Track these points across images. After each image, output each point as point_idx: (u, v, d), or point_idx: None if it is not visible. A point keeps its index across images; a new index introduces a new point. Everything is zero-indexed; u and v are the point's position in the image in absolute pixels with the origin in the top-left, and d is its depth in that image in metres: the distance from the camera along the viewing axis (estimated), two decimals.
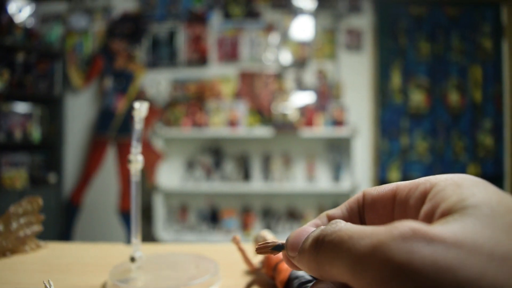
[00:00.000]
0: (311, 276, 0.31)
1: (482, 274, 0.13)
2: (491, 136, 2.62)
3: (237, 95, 2.68)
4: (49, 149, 2.66)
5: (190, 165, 2.66)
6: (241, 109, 2.62)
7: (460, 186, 0.17)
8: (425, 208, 0.18)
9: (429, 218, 0.17)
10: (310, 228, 0.21)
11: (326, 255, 0.18)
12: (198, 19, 2.70)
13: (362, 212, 0.22)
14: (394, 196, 0.21)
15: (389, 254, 0.14)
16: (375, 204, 0.22)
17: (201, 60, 2.70)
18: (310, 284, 0.30)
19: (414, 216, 0.19)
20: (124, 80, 2.67)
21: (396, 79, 2.64)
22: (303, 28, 2.66)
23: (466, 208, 0.16)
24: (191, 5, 2.71)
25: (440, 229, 0.15)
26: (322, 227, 0.20)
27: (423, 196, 0.19)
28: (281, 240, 0.23)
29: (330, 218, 0.23)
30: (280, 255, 0.36)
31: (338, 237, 0.17)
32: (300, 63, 2.66)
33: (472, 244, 0.14)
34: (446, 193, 0.17)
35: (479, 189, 0.17)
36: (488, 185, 0.17)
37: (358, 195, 0.23)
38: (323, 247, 0.18)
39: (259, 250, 0.24)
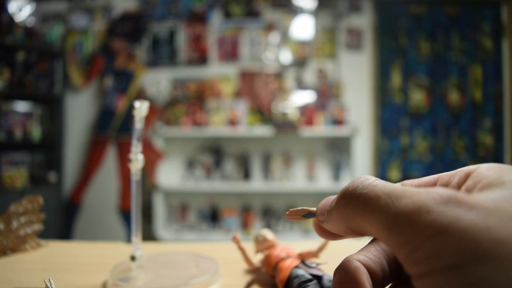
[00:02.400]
0: (310, 275, 0.31)
1: None
2: (491, 135, 2.62)
3: (237, 95, 2.68)
4: (49, 148, 2.66)
5: (190, 164, 2.66)
6: (241, 108, 2.62)
7: (502, 170, 0.18)
8: (466, 184, 0.19)
9: (469, 192, 0.18)
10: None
11: (357, 208, 0.18)
12: (198, 19, 2.70)
13: None
14: (435, 183, 0.22)
15: (433, 216, 0.15)
16: None
17: (201, 59, 2.70)
18: (310, 283, 0.30)
19: None
20: (124, 79, 2.67)
21: (396, 79, 2.64)
22: (303, 27, 2.65)
23: (505, 182, 0.17)
24: (191, 5, 2.71)
25: (481, 197, 0.16)
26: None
27: (466, 177, 0.19)
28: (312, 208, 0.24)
29: None
30: (280, 253, 0.36)
31: (373, 192, 0.18)
32: (300, 63, 2.66)
33: (511, 210, 0.15)
34: (488, 173, 0.18)
35: None
36: None
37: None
38: (353, 198, 0.18)
39: (289, 216, 0.24)
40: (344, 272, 0.19)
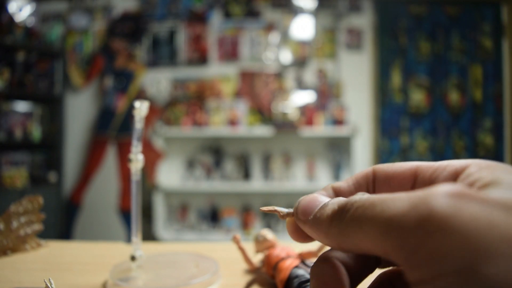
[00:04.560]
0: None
1: None
2: (492, 135, 2.62)
3: (237, 94, 2.68)
4: (50, 148, 2.66)
5: (190, 164, 2.66)
6: (241, 108, 2.62)
7: (494, 169, 0.17)
8: None
9: None
10: (321, 197, 0.20)
11: (353, 221, 0.17)
12: (198, 19, 2.70)
13: (372, 189, 0.21)
14: (414, 176, 0.20)
15: (432, 207, 0.14)
16: (390, 182, 0.21)
17: (201, 59, 2.70)
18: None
19: None
20: (124, 79, 2.67)
21: (396, 79, 2.64)
22: (303, 27, 2.65)
23: (502, 182, 0.15)
24: (191, 4, 2.71)
25: (488, 193, 0.15)
26: (341, 198, 0.19)
27: (454, 176, 0.18)
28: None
29: (336, 190, 0.22)
30: (280, 253, 0.36)
31: (369, 202, 0.16)
32: (300, 62, 2.66)
33: None
34: (481, 174, 0.17)
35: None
36: None
37: (366, 170, 0.22)
38: (350, 213, 0.17)
39: (264, 210, 0.23)
40: (322, 276, 0.19)
